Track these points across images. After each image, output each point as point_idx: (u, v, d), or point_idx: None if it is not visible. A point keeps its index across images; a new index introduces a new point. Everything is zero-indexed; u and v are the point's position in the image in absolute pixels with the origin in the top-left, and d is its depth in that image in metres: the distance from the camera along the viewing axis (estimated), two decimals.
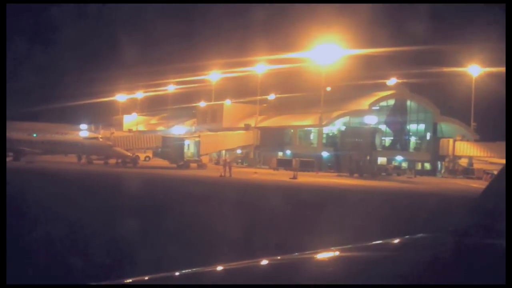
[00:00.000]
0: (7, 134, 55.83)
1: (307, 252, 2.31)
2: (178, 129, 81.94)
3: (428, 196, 31.56)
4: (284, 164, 63.88)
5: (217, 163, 70.90)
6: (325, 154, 68.22)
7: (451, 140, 70.14)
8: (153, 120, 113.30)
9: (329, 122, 70.42)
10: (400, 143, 72.72)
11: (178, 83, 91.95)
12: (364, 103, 71.07)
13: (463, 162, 71.17)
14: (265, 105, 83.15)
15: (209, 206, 19.04)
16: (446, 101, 74.13)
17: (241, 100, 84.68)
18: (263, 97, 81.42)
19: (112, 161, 60.16)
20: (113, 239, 11.18)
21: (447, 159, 70.77)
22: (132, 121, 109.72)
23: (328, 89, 69.29)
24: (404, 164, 70.84)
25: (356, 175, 55.21)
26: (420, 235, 2.61)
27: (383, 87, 74.52)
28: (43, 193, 21.04)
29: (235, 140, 74.81)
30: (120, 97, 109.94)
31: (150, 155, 72.33)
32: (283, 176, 46.23)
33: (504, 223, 2.05)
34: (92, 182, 31.83)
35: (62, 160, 59.74)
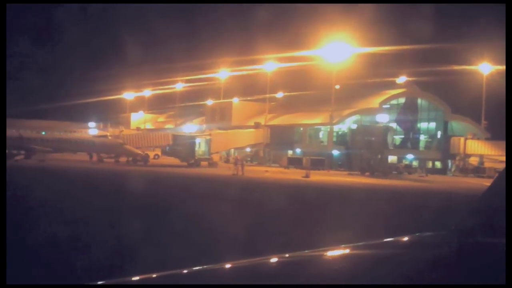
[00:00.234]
0: (19, 131, 55.97)
1: (312, 250, 2.31)
2: (187, 127, 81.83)
3: (446, 195, 31.33)
4: (295, 162, 63.84)
5: (227, 161, 70.82)
6: (335, 152, 68.04)
7: (462, 139, 69.92)
8: (161, 118, 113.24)
9: (340, 120, 70.18)
10: (410, 142, 72.52)
11: (185, 81, 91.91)
12: (375, 101, 70.83)
13: (474, 160, 70.89)
14: (274, 103, 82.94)
15: (232, 205, 18.86)
16: (457, 99, 73.93)
17: (250, 98, 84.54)
18: (272, 95, 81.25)
19: (123, 159, 59.98)
20: (140, 238, 11.03)
21: (458, 158, 70.51)
22: (139, 119, 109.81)
23: (337, 87, 69.09)
24: (415, 163, 70.62)
25: (367, 173, 54.99)
26: (423, 233, 2.63)
27: (394, 85, 74.31)
28: (64, 193, 20.94)
29: (245, 138, 74.75)
30: (127, 95, 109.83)
31: (159, 153, 72.26)
32: (295, 175, 46.10)
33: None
34: (110, 181, 31.70)
35: (72, 158, 59.70)
